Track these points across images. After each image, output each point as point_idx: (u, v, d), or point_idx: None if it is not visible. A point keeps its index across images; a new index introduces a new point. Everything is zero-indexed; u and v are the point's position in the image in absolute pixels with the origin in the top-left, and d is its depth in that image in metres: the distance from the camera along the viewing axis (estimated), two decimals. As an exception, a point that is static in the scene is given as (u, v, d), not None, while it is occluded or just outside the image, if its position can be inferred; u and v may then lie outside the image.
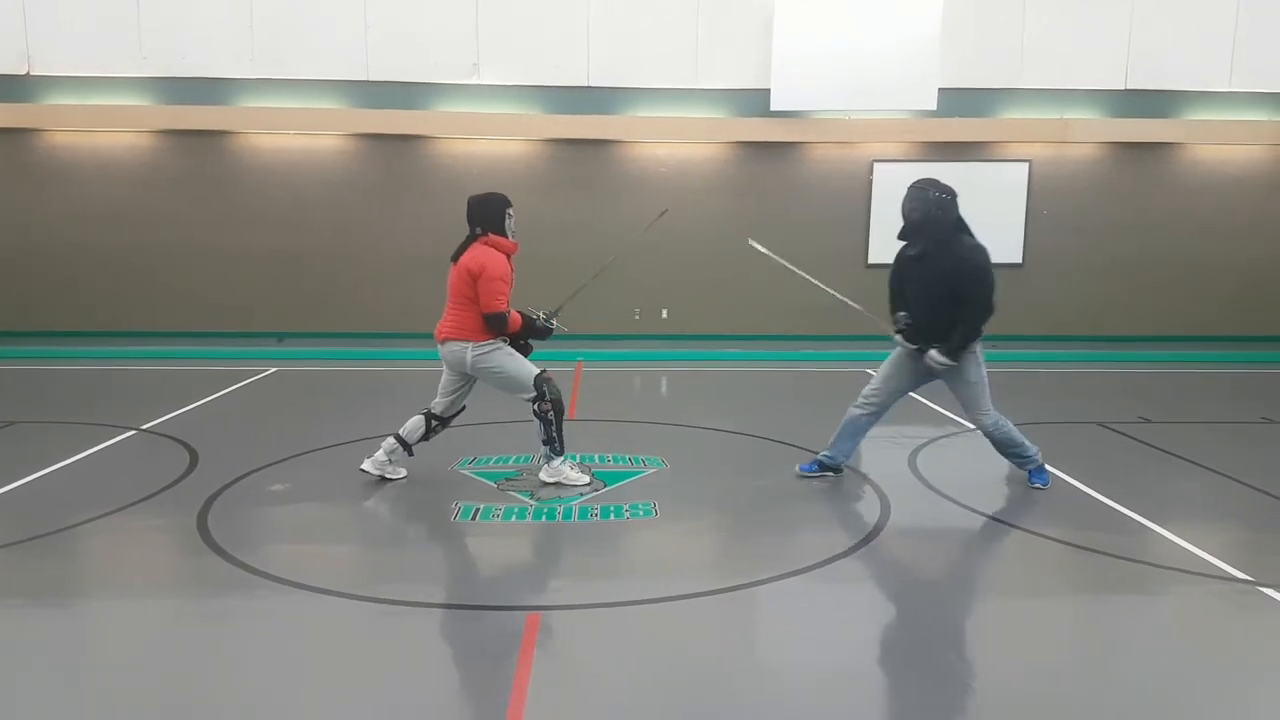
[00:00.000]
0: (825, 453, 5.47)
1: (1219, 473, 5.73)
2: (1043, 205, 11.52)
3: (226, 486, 5.20)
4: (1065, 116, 11.32)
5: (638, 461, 5.85)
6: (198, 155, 11.11)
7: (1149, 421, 7.20)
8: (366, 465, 5.37)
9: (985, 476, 5.94)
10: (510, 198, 5.27)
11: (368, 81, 10.97)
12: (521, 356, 5.23)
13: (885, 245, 11.58)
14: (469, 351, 5.10)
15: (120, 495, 4.98)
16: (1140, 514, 4.86)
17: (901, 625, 3.65)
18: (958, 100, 11.13)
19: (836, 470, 5.49)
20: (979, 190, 11.44)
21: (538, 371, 5.20)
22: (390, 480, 5.35)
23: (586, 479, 5.29)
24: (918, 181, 5.10)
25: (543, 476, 5.29)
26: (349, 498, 5.15)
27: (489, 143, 11.24)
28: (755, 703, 2.96)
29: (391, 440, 5.36)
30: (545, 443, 5.22)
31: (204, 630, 3.49)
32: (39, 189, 11.07)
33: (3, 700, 2.92)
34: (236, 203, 11.21)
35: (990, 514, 4.98)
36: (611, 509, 4.88)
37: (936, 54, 10.78)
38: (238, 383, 8.55)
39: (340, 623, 3.55)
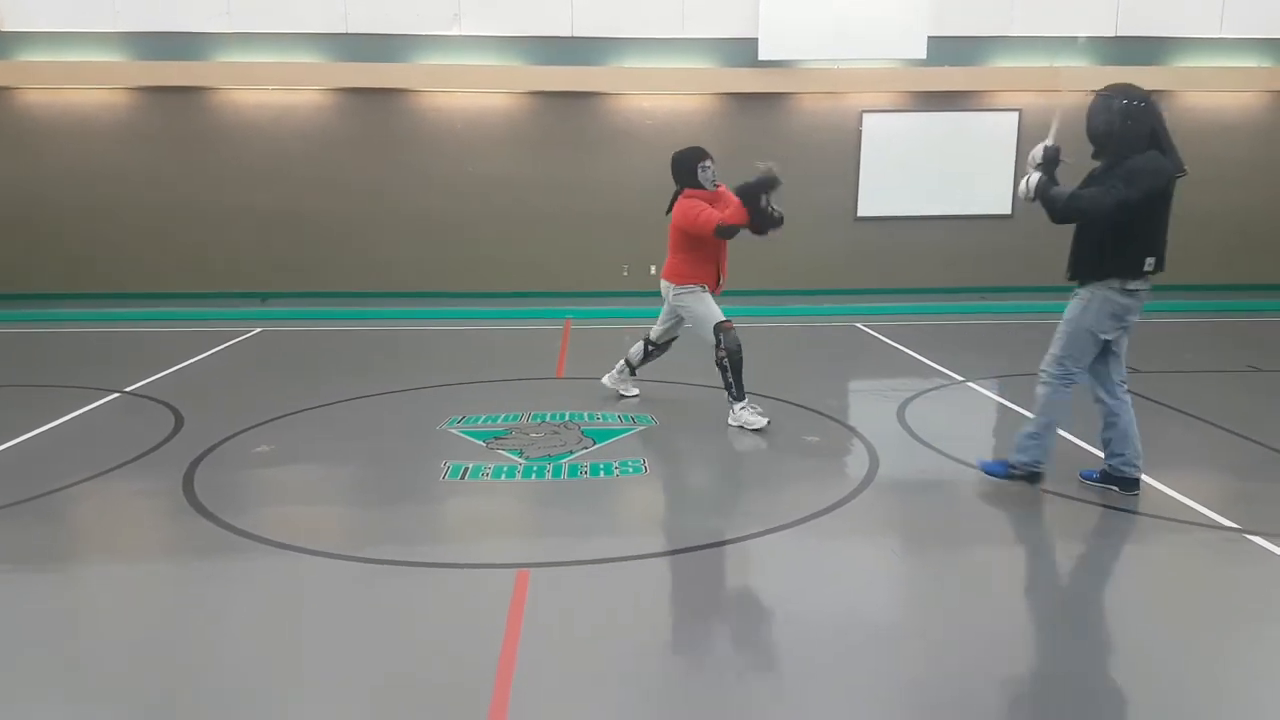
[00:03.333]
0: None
1: (1207, 421, 5.76)
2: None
3: (212, 448, 5.16)
4: (1055, 65, 11.16)
5: (627, 419, 5.83)
6: (175, 112, 10.85)
7: (1138, 371, 7.21)
8: (605, 379, 6.33)
9: (973, 428, 5.97)
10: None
11: (347, 34, 10.70)
12: (711, 303, 5.68)
13: (874, 198, 11.63)
14: (671, 291, 5.80)
15: (105, 459, 4.93)
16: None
17: (890, 576, 3.67)
18: (947, 49, 10.95)
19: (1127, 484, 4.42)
20: (968, 140, 11.38)
21: (719, 320, 5.56)
22: (625, 396, 6.28)
23: (764, 420, 5.52)
24: (1104, 89, 4.33)
25: (730, 421, 5.62)
26: (336, 459, 5.12)
27: (472, 95, 11.02)
28: (746, 656, 2.98)
29: (622, 362, 6.25)
30: (725, 389, 5.60)
31: (192, 593, 3.47)
32: (12, 149, 10.82)
33: (-9, 665, 2.91)
34: (216, 160, 10.99)
35: (978, 466, 5.00)
36: (601, 466, 4.87)
37: (925, 1, 10.58)
38: (222, 344, 8.46)
39: (329, 583, 3.54)
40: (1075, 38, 11.11)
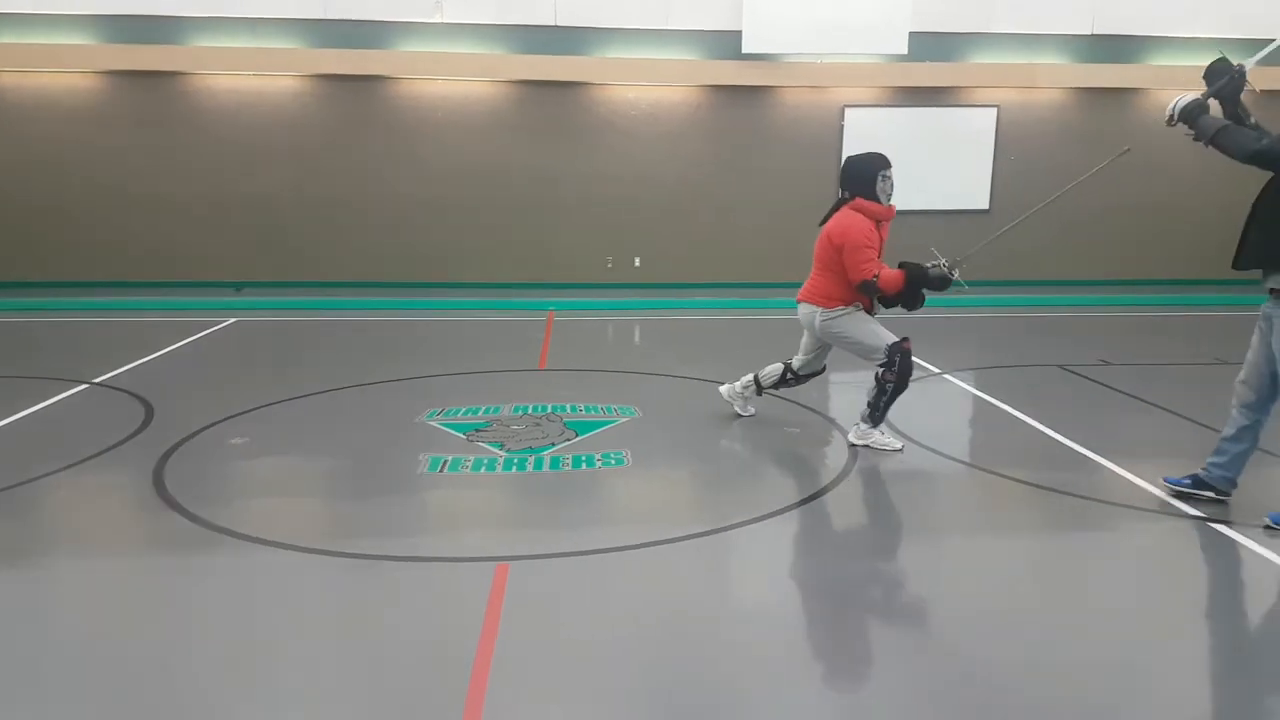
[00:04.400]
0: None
1: (1174, 413, 5.83)
2: (1010, 151, 11.51)
3: (184, 441, 5.08)
4: (1033, 61, 11.24)
5: (610, 411, 5.81)
6: (148, 97, 10.66)
7: (1108, 364, 7.30)
8: (723, 390, 5.74)
9: (949, 420, 6.01)
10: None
11: (326, 20, 10.55)
12: (873, 322, 4.97)
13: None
14: (817, 316, 5.03)
15: (72, 451, 4.84)
16: (1099, 453, 4.95)
17: (868, 565, 3.68)
18: (928, 44, 10.99)
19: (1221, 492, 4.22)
20: (947, 136, 11.43)
21: (896, 340, 4.88)
22: (741, 416, 5.64)
23: (899, 445, 5.04)
24: None
25: (851, 438, 5.14)
26: (311, 451, 5.06)
27: (454, 84, 10.92)
28: (725, 646, 2.97)
29: (750, 377, 5.59)
30: (869, 405, 5.02)
31: (163, 589, 3.41)
32: (-22, 133, 10.59)
33: (-45, 661, 2.84)
34: (191, 147, 10.82)
35: (954, 456, 5.04)
36: (583, 459, 4.84)
37: (908, -3, 10.62)
38: (195, 334, 8.34)
39: (304, 579, 3.49)
40: (1010, 157, 11.05)
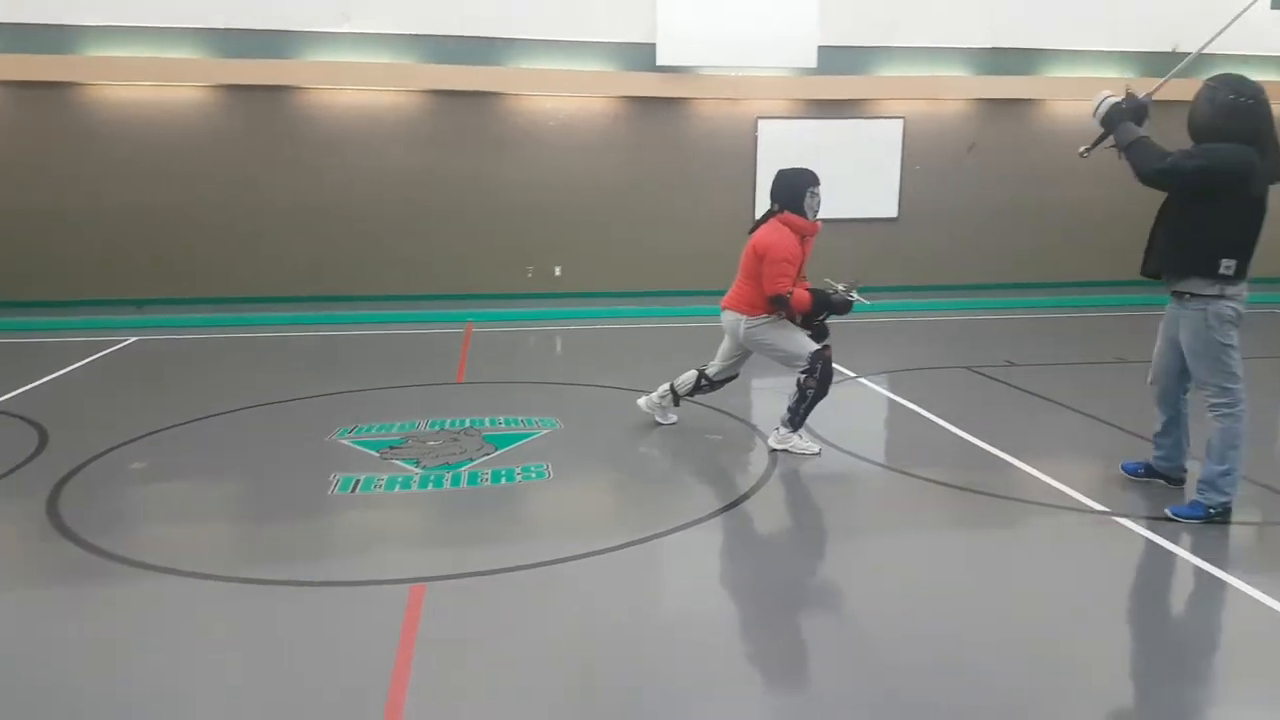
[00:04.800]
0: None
1: (1077, 410, 6.10)
2: (915, 160, 11.89)
3: (80, 467, 4.82)
4: (936, 74, 11.66)
5: (530, 423, 5.75)
6: (44, 108, 10.10)
7: (1014, 365, 7.60)
8: (641, 402, 5.70)
9: (866, 424, 6.16)
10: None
11: (229, 29, 10.20)
12: (798, 330, 5.10)
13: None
14: (741, 323, 5.12)
15: (-44, 482, 4.54)
16: (1006, 452, 5.13)
17: (788, 570, 3.73)
18: (836, 58, 11.29)
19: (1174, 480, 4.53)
20: (856, 146, 11.74)
21: (818, 347, 5.03)
22: (661, 425, 5.64)
23: (817, 449, 5.14)
24: (1212, 79, 3.98)
25: (771, 443, 5.22)
26: (216, 474, 4.86)
27: (365, 94, 10.69)
28: (653, 659, 2.96)
29: (666, 386, 5.60)
30: (789, 410, 5.10)
31: (58, 621, 3.22)
32: None
33: None
34: (89, 160, 10.28)
35: (870, 459, 5.17)
36: (503, 473, 4.78)
37: (816, 11, 10.88)
38: (93, 354, 7.93)
39: (208, 607, 3.34)
40: (915, 167, 11.63)
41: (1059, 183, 12.12)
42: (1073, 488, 4.52)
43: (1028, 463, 4.94)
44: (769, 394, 6.44)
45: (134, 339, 8.73)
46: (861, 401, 6.62)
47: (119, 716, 2.63)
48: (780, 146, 11.46)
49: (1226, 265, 3.92)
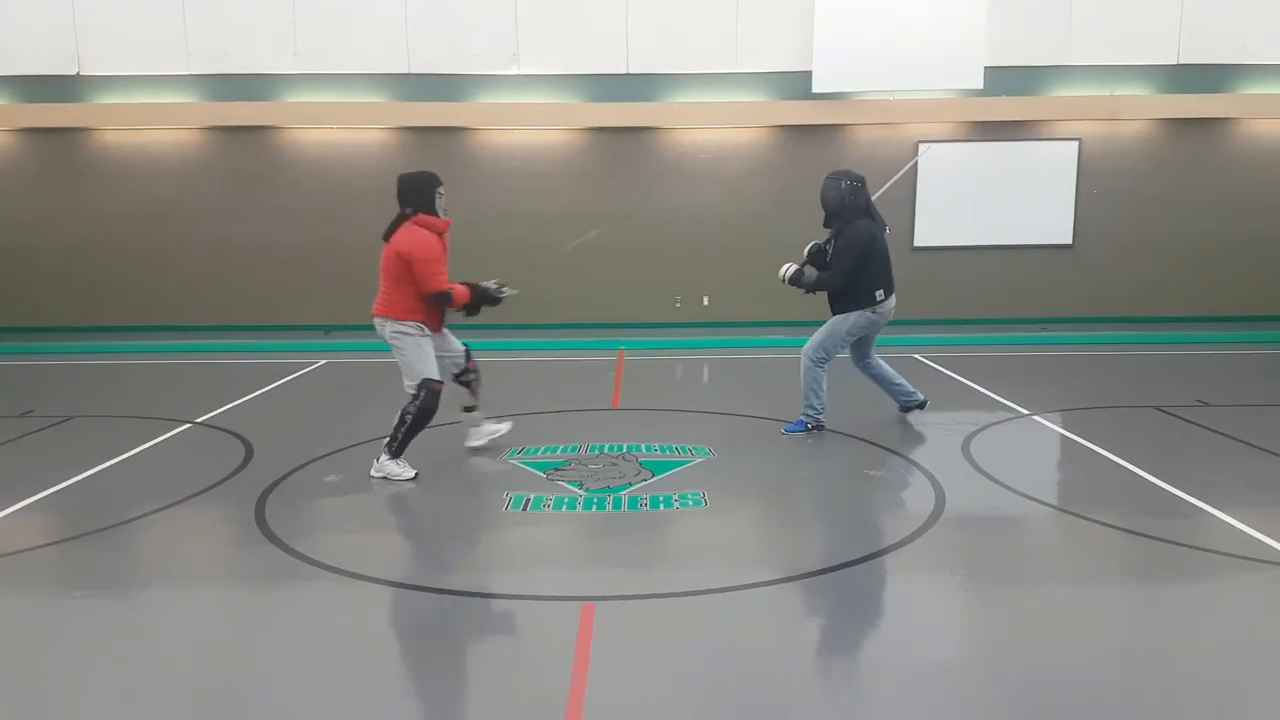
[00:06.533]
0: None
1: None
2: (1093, 184, 11.24)
3: (282, 478, 5.29)
4: (1115, 93, 11.01)
5: (685, 451, 5.83)
6: (243, 151, 11.27)
7: (1207, 405, 7.00)
8: (474, 443, 5.87)
9: (1039, 462, 5.84)
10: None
11: (409, 74, 11.03)
12: (427, 353, 5.25)
13: (931, 227, 11.54)
14: (387, 326, 5.24)
15: (179, 488, 5.09)
16: (1200, 499, 4.73)
17: (956, 616, 3.59)
18: (1005, 78, 10.87)
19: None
20: (1027, 169, 11.24)
21: (430, 376, 5.21)
22: (492, 437, 5.92)
23: (411, 473, 5.24)
24: (831, 174, 6.15)
25: (372, 473, 5.29)
26: (402, 489, 5.21)
27: (529, 132, 11.25)
28: (809, 696, 2.93)
29: (474, 415, 5.83)
30: (389, 436, 5.25)
31: (265, 621, 3.55)
32: (89, 187, 11.32)
33: (67, 691, 3.00)
34: (282, 197, 11.36)
35: (1045, 500, 4.89)
36: (661, 499, 4.87)
37: (982, 32, 10.53)
38: (288, 375, 8.69)
39: (399, 613, 3.59)
40: (1093, 190, 11.08)
41: (1253, 209, 11.14)
42: (1274, 538, 4.12)
43: (1222, 510, 4.54)
44: (932, 429, 6.25)
45: (324, 361, 9.50)
46: (1038, 439, 6.29)
47: (319, 706, 2.86)
48: (943, 170, 11.13)
49: None
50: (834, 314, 6.17)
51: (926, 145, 6.07)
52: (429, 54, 10.98)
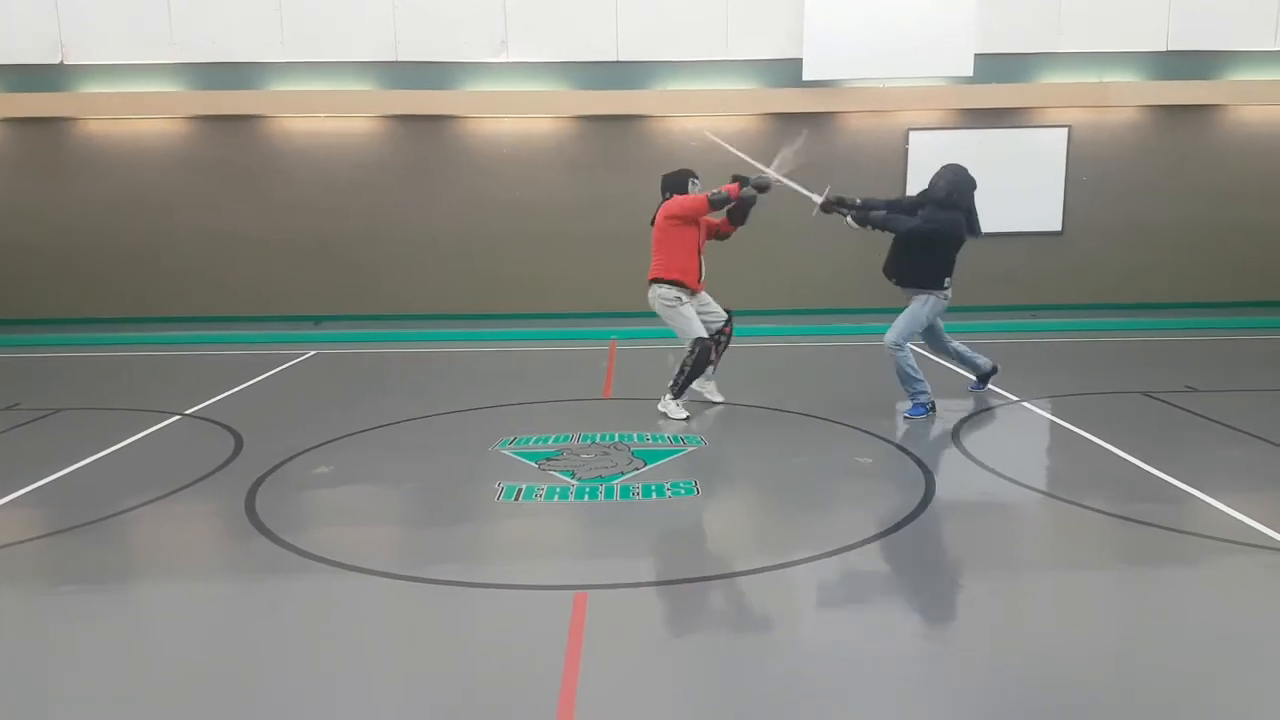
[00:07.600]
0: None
1: (1268, 441, 5.59)
2: (1082, 171, 11.26)
3: (272, 470, 5.27)
4: (1104, 80, 11.02)
5: (676, 440, 5.84)
6: (230, 140, 11.17)
7: (1195, 390, 7.05)
8: (665, 405, 6.48)
9: (1029, 448, 5.87)
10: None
11: (397, 62, 10.94)
12: (689, 317, 6.31)
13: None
14: (652, 290, 6.37)
15: (169, 480, 5.07)
16: (1189, 484, 4.77)
17: (948, 602, 3.61)
18: (994, 66, 10.87)
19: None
20: (1017, 156, 11.24)
21: (699, 335, 6.29)
22: (713, 402, 6.80)
23: (685, 415, 6.27)
24: (952, 165, 6.48)
25: (659, 406, 6.38)
26: (392, 479, 5.20)
27: (518, 121, 11.19)
28: (802, 683, 2.95)
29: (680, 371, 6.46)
30: (672, 379, 6.34)
31: (256, 613, 3.54)
32: (75, 178, 11.21)
33: (57, 684, 2.99)
34: (269, 186, 11.28)
35: (1035, 486, 4.92)
36: (653, 488, 4.87)
37: (972, 19, 10.53)
38: (277, 367, 8.65)
39: (390, 604, 3.58)
40: (1082, 178, 11.12)
41: (1242, 196, 11.19)
42: (1262, 522, 4.15)
43: (1212, 495, 4.58)
44: (922, 420, 6.26)
45: (312, 353, 9.46)
46: (1025, 426, 6.32)
47: (311, 699, 2.86)
48: (932, 157, 11.08)
49: None
50: (909, 288, 6.35)
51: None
52: (417, 41, 10.90)
